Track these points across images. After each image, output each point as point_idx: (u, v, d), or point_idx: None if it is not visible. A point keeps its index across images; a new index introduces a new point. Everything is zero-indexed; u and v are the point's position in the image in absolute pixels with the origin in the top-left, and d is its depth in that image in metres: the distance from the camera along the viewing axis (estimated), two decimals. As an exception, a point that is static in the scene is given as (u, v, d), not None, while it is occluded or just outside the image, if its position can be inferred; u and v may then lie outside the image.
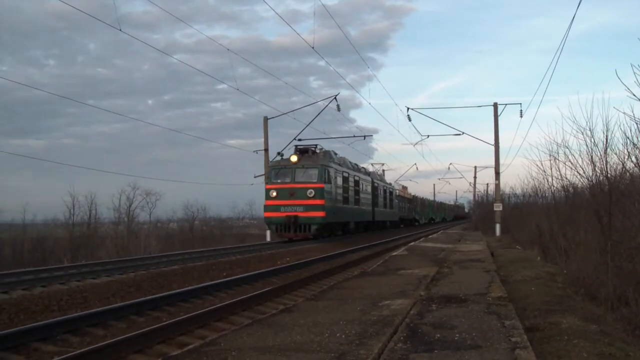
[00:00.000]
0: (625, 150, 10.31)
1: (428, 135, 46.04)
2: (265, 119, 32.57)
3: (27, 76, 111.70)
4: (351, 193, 29.51)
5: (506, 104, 31.59)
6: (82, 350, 5.66)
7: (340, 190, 27.18)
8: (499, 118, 31.34)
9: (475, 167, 63.01)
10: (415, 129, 53.61)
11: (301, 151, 26.50)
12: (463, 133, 36.05)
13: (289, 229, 24.43)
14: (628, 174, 10.78)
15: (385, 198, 40.92)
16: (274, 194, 24.85)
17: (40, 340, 6.23)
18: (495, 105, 31.42)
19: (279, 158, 26.70)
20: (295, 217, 24.08)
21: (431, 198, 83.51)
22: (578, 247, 12.09)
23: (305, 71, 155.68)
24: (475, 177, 62.68)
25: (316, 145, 27.73)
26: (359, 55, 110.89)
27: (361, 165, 38.41)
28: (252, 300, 8.97)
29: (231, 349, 4.95)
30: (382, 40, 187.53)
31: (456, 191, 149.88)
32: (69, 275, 11.65)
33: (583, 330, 6.06)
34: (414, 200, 61.55)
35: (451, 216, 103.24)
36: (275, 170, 25.73)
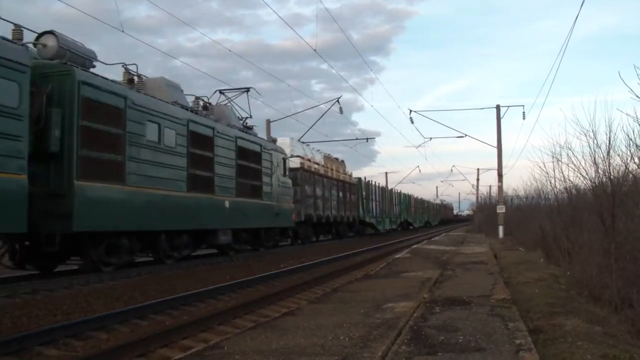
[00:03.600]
0: (628, 152, 10.34)
1: (431, 138, 45.76)
2: (268, 122, 32.58)
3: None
4: None
5: (509, 106, 31.61)
6: (85, 354, 5.66)
7: None
8: (502, 120, 31.41)
9: (478, 170, 63.20)
10: (418, 131, 53.29)
11: None
12: (466, 135, 36.20)
13: None
14: (631, 175, 10.79)
15: (204, 165, 15.72)
16: None
17: (43, 345, 6.22)
18: (498, 108, 31.44)
19: None
20: None
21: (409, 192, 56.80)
22: (581, 249, 12.08)
23: (308, 74, 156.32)
24: (478, 179, 62.77)
25: None
26: (362, 58, 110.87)
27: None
28: (255, 304, 8.96)
29: (234, 353, 4.95)
30: (384, 44, 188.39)
31: (459, 193, 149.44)
32: (73, 279, 11.62)
33: (587, 332, 6.04)
34: (361, 189, 35.92)
35: (437, 220, 77.76)
36: None
